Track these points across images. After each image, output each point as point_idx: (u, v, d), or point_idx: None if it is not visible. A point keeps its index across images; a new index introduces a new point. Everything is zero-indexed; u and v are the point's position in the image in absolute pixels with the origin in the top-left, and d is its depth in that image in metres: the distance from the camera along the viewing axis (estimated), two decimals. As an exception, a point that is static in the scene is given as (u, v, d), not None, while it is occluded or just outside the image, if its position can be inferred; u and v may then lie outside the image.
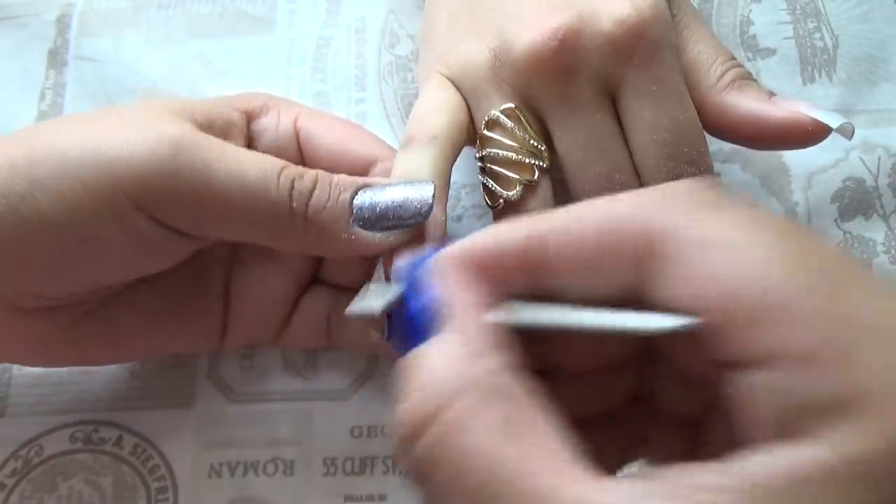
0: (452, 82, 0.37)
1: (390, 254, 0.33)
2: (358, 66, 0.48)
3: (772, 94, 0.36)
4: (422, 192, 0.32)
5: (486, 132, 0.35)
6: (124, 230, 0.31)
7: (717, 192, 0.24)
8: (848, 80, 0.44)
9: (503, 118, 0.35)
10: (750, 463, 0.20)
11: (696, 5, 0.46)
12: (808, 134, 0.34)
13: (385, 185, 0.33)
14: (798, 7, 0.46)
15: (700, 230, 0.23)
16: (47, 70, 0.49)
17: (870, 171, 0.42)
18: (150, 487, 0.40)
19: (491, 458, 0.20)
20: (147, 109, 0.33)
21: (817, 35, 0.45)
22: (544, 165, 0.35)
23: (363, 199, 0.32)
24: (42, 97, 0.49)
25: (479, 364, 0.22)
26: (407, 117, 0.46)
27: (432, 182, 0.33)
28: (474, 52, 0.36)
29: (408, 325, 0.24)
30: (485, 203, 0.37)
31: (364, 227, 0.32)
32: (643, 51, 0.34)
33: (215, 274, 0.38)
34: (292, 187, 0.31)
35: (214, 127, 0.34)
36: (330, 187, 0.32)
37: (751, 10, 0.46)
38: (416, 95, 0.46)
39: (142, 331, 0.37)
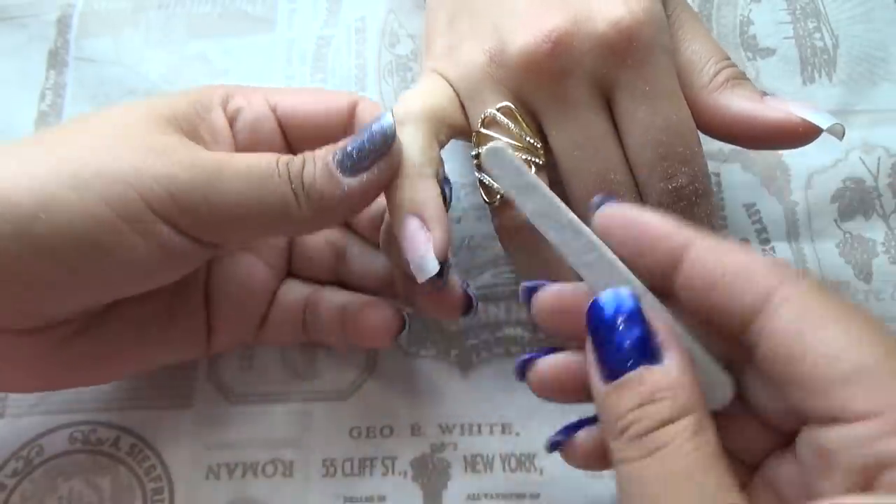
0: (449, 82, 0.37)
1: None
2: (358, 66, 0.48)
3: (764, 93, 0.36)
4: (379, 121, 0.32)
5: (482, 130, 0.36)
6: (149, 240, 0.31)
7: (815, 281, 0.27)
8: (848, 80, 0.44)
9: (499, 116, 0.35)
10: None
11: (695, 5, 0.46)
12: (799, 134, 0.34)
13: (351, 136, 0.33)
14: (798, 7, 0.46)
15: (800, 300, 0.26)
16: (47, 70, 0.49)
17: (870, 172, 0.42)
18: (146, 488, 0.40)
19: (698, 475, 0.26)
20: (144, 123, 0.33)
21: (817, 35, 0.45)
22: (541, 162, 0.35)
23: (340, 152, 0.32)
24: (42, 97, 0.49)
25: (698, 392, 0.27)
26: (407, 117, 0.46)
27: (389, 111, 0.33)
28: (470, 54, 0.36)
29: (635, 346, 0.28)
30: (482, 201, 0.37)
31: (351, 173, 0.32)
32: (637, 53, 0.34)
33: (196, 276, 0.38)
34: (289, 172, 0.32)
35: (201, 133, 0.35)
36: (315, 158, 0.32)
37: (751, 10, 0.46)
38: (415, 95, 0.46)
39: (131, 344, 0.37)
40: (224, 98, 0.37)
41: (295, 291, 0.40)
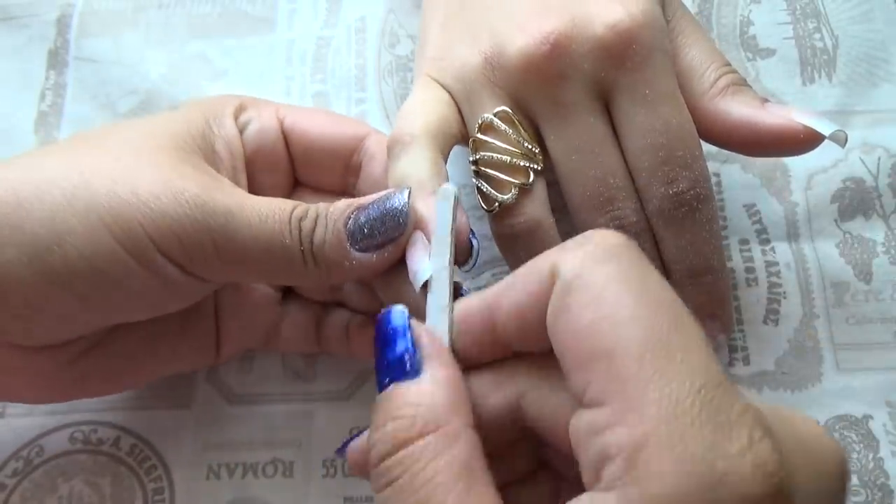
0: (444, 86, 0.37)
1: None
2: (358, 66, 0.48)
3: (765, 100, 0.35)
4: (396, 201, 0.32)
5: (479, 135, 0.35)
6: (153, 275, 0.31)
7: (613, 243, 0.26)
8: (848, 80, 0.44)
9: (497, 121, 0.35)
10: None
11: (696, 6, 0.46)
12: (801, 141, 0.34)
13: (368, 203, 0.32)
14: (798, 7, 0.46)
15: (587, 280, 0.24)
16: (47, 70, 0.49)
17: (870, 172, 0.42)
18: (147, 488, 0.40)
19: (441, 491, 0.24)
20: (157, 151, 0.33)
21: (817, 35, 0.45)
22: (538, 168, 0.35)
23: (353, 222, 0.32)
24: (42, 97, 0.49)
25: (457, 413, 0.26)
26: (406, 118, 0.46)
27: (408, 188, 0.33)
28: (466, 56, 0.36)
29: (393, 363, 0.27)
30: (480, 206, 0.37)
31: (361, 249, 0.32)
32: (635, 56, 0.34)
33: None
34: (300, 230, 0.32)
35: (216, 150, 0.35)
36: (327, 220, 0.32)
37: (751, 11, 0.46)
38: (414, 96, 0.46)
39: (142, 359, 0.37)
40: (237, 108, 0.37)
41: (304, 307, 0.40)
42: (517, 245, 0.36)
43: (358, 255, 0.32)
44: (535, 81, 0.34)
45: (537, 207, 0.35)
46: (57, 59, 0.49)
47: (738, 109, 0.35)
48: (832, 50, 0.45)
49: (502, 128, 0.35)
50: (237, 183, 0.36)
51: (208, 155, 0.34)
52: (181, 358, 0.38)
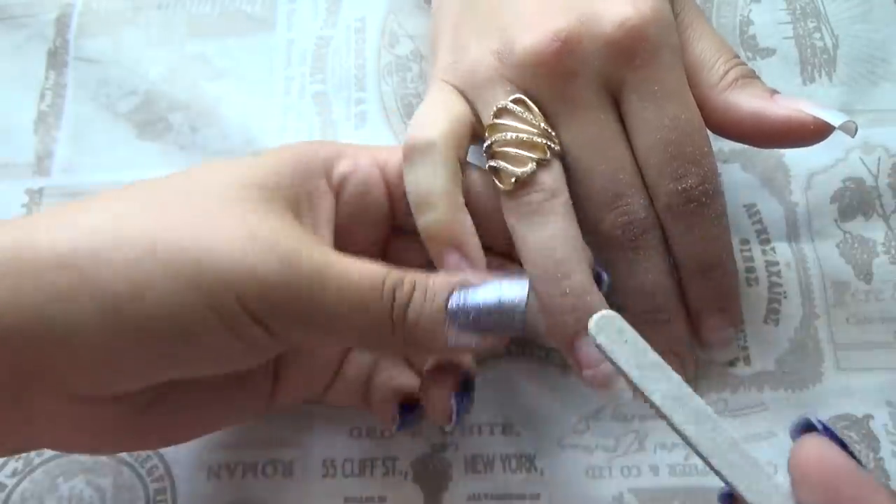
0: (457, 88, 0.37)
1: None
2: (357, 66, 0.48)
3: (775, 91, 0.36)
4: (514, 293, 0.31)
5: (494, 120, 0.35)
6: (234, 334, 0.29)
7: None
8: (848, 79, 0.44)
9: (511, 105, 0.35)
10: None
11: (695, 5, 0.46)
12: (810, 132, 0.34)
13: (478, 286, 0.31)
14: (798, 7, 0.46)
15: None
16: (47, 70, 0.49)
17: (870, 171, 0.42)
18: (149, 489, 0.40)
19: None
20: (243, 201, 0.31)
21: (817, 35, 0.45)
22: (557, 148, 0.35)
23: (456, 301, 0.31)
24: (42, 98, 0.49)
25: None
26: (406, 117, 0.46)
27: (527, 279, 0.32)
28: (477, 56, 0.36)
29: None
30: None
31: (461, 329, 0.31)
32: (644, 52, 0.34)
33: None
34: (394, 298, 0.31)
35: (301, 204, 0.33)
36: (426, 293, 0.31)
37: (751, 10, 0.46)
38: (415, 95, 0.46)
39: (202, 411, 0.35)
40: (328, 160, 0.35)
41: (362, 361, 0.38)
42: (533, 219, 0.34)
43: (458, 336, 0.31)
44: (545, 77, 0.34)
45: (556, 180, 0.34)
46: (56, 59, 0.49)
47: (748, 101, 0.35)
48: (832, 49, 0.45)
49: (518, 110, 0.35)
50: (322, 238, 0.34)
51: (293, 206, 0.33)
52: (236, 408, 0.36)
